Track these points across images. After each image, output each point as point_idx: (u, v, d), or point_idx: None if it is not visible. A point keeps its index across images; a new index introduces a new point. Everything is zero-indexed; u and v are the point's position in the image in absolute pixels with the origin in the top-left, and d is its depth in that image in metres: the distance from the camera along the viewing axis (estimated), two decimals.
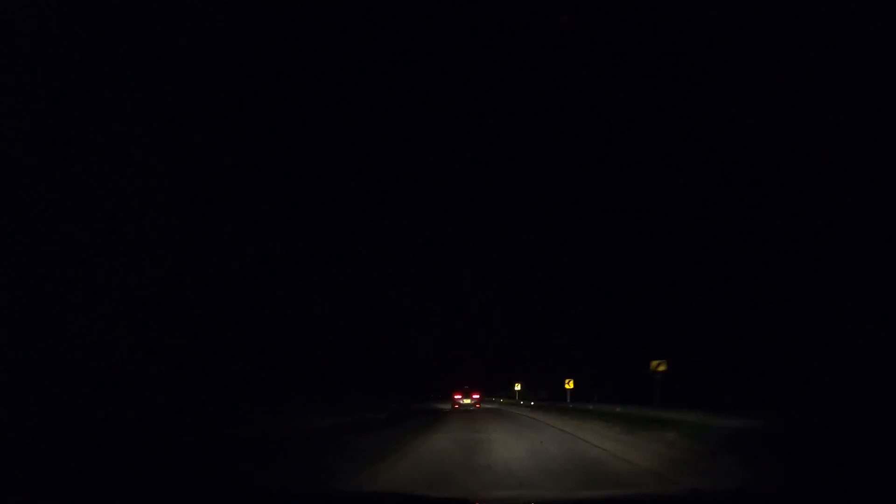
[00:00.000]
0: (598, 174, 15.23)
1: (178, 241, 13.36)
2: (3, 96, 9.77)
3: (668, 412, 14.09)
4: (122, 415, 11.08)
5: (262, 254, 16.48)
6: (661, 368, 16.27)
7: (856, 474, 6.03)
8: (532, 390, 50.54)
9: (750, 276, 13.13)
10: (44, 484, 5.34)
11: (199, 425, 11.57)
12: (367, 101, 13.63)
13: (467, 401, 44.03)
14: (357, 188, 18.00)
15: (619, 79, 12.59)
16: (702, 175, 13.07)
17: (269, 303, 18.48)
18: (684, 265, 14.69)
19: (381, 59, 12.35)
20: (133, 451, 8.40)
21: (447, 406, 42.98)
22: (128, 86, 11.18)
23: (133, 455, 7.77)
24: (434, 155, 16.42)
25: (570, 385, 30.51)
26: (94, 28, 10.70)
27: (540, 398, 44.80)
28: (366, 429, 15.53)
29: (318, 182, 16.77)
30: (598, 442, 12.16)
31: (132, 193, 11.64)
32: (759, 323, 14.05)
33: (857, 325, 11.76)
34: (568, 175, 15.11)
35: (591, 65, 12.39)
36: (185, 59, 11.60)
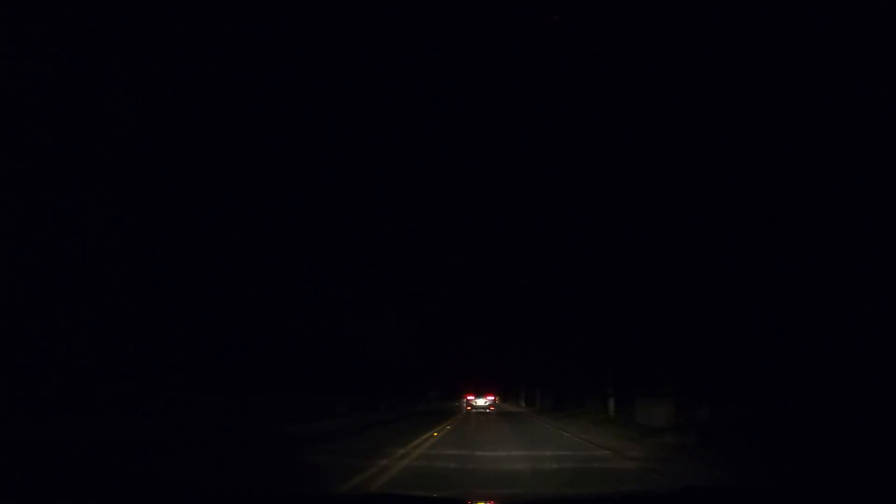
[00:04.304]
0: (598, 175, 15.13)
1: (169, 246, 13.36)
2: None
3: None
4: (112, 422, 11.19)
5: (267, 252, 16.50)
6: None
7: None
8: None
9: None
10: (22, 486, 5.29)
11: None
12: (356, 101, 13.52)
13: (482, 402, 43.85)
14: (364, 192, 17.83)
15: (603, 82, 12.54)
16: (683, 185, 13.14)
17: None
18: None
19: (371, 59, 12.28)
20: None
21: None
22: (114, 81, 11.17)
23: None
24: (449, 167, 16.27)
25: None
26: (92, 27, 10.69)
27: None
28: None
29: (322, 186, 16.70)
30: None
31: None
32: None
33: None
34: (568, 176, 15.08)
35: (581, 67, 12.35)
36: (181, 55, 11.57)
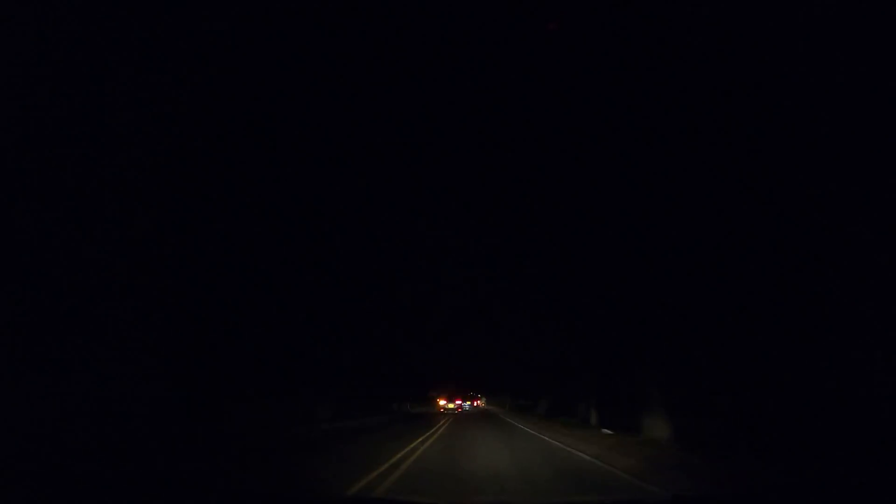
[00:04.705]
0: (595, 179, 15.10)
1: (181, 243, 13.29)
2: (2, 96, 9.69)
3: None
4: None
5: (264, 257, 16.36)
6: None
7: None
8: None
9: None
10: (41, 485, 5.37)
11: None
12: (358, 105, 13.49)
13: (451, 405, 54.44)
14: (357, 192, 17.65)
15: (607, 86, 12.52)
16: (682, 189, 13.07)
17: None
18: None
19: (371, 61, 12.27)
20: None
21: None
22: (120, 82, 11.11)
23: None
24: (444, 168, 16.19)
25: None
26: (92, 26, 10.62)
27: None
28: None
29: (318, 186, 16.57)
30: None
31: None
32: None
33: None
34: (566, 180, 15.03)
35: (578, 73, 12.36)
36: (183, 56, 11.50)
